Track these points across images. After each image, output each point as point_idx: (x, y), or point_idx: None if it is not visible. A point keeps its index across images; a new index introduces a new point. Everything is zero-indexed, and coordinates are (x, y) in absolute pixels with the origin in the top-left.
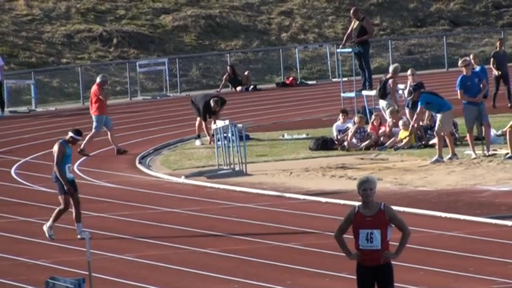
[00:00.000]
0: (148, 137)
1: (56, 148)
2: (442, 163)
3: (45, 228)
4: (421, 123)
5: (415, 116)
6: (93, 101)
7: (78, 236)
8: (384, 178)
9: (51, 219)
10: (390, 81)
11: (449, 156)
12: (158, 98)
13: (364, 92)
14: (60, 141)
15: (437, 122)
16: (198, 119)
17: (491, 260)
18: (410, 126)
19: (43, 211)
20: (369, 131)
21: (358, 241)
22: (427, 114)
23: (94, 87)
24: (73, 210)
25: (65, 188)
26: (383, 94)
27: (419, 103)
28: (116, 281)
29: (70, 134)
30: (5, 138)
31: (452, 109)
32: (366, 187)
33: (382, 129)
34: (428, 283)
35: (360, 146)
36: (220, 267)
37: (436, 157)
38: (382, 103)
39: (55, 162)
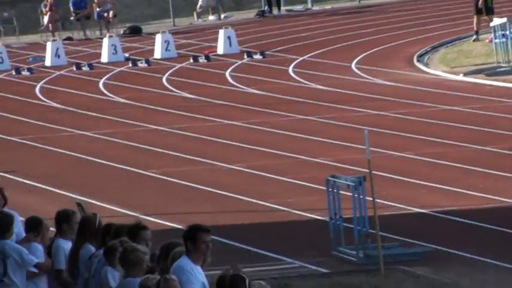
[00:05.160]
0: (425, 35)
1: None
2: None
3: None
4: None
5: None
6: None
7: None
8: None
9: None
10: None
11: None
12: None
13: None
14: None
15: None
16: (476, 16)
17: None
18: None
19: (320, 109)
20: None
21: None
22: None
23: None
24: None
25: None
26: None
27: None
28: (396, 178)
29: None
30: (282, 37)
31: None
32: None
33: None
34: None
35: None
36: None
37: None
38: None
39: None
